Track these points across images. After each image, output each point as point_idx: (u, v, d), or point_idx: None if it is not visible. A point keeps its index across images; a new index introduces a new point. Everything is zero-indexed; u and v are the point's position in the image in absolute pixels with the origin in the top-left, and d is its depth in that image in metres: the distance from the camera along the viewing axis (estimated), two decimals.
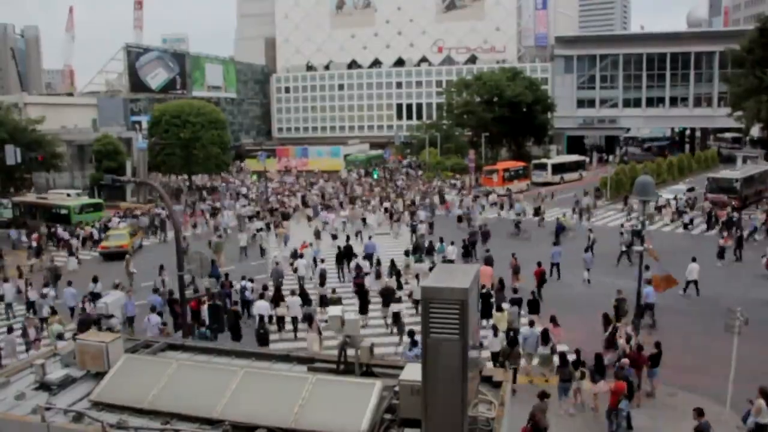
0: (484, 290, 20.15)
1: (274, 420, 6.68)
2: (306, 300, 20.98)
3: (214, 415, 6.91)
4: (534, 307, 20.55)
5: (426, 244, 30.18)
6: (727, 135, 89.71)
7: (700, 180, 48.53)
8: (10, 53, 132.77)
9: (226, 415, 6.87)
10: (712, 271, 26.80)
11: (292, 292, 21.23)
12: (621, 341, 15.95)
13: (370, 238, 31.46)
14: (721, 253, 28.25)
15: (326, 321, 18.69)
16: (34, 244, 34.75)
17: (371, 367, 8.05)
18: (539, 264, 24.46)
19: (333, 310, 8.65)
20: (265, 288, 22.19)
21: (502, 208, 44.78)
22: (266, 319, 19.77)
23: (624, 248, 29.28)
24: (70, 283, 24.22)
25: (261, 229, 34.95)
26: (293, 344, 19.29)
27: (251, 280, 23.27)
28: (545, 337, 16.88)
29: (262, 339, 18.51)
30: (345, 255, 27.85)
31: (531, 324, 18.47)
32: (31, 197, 45.01)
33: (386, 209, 41.33)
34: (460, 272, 6.56)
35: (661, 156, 69.71)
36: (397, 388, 6.99)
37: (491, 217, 41.07)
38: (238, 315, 20.57)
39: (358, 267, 25.22)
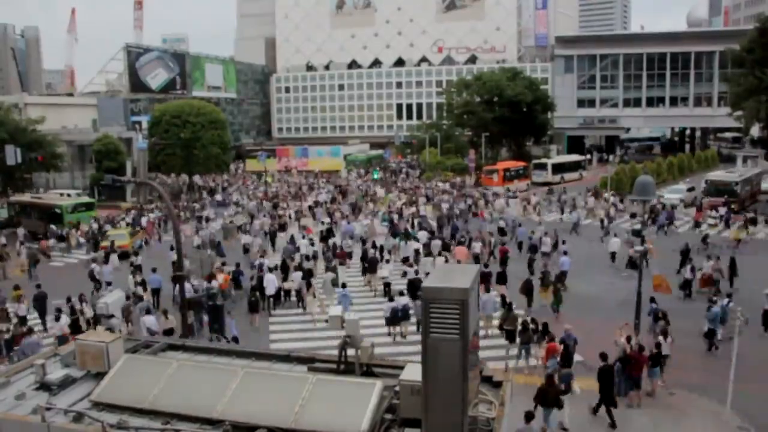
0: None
1: (275, 420, 6.68)
2: (306, 273, 24.40)
3: (215, 415, 6.91)
4: (501, 279, 23.70)
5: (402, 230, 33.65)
6: (728, 135, 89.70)
7: (701, 180, 48.41)
8: (10, 53, 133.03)
9: (226, 415, 6.87)
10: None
11: (295, 268, 25.34)
12: (621, 340, 15.95)
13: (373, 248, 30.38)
14: (631, 264, 26.39)
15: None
16: (82, 240, 36.47)
17: (371, 367, 8.05)
18: (503, 243, 29.97)
19: (333, 310, 8.67)
20: (276, 267, 25.62)
21: (562, 212, 41.67)
22: (274, 290, 23.48)
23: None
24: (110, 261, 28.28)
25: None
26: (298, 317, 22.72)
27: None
28: (503, 301, 20.37)
29: (253, 306, 21.88)
30: (327, 236, 33.11)
31: (487, 290, 21.46)
32: (25, 197, 45.08)
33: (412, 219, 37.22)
34: (460, 272, 6.57)
35: (644, 155, 70.43)
36: (397, 388, 7.00)
37: (549, 220, 37.81)
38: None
39: (334, 245, 30.17)
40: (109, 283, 25.59)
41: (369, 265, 26.27)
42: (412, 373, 6.70)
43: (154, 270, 25.05)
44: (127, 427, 6.82)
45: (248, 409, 6.90)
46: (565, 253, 26.50)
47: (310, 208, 44.47)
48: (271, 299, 23.55)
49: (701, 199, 42.38)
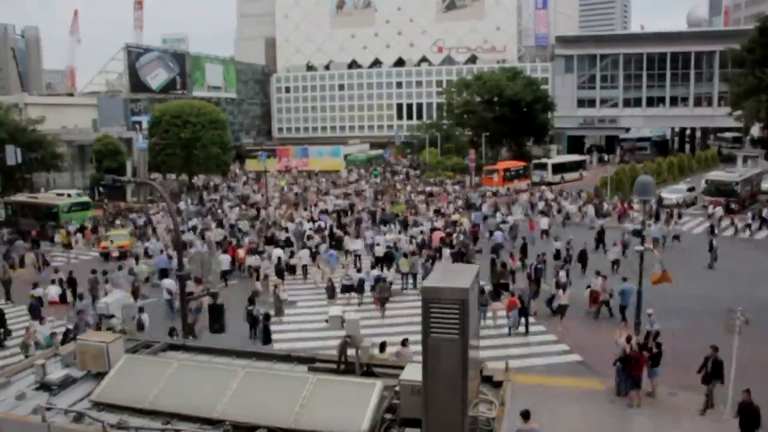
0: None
1: (275, 420, 6.68)
2: (311, 251, 29.18)
3: (215, 415, 6.91)
4: (461, 256, 27.32)
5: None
6: (728, 134, 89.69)
7: (701, 180, 48.40)
8: (10, 53, 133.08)
9: (226, 415, 6.87)
10: (712, 269, 26.88)
11: (301, 246, 29.98)
12: (621, 340, 15.97)
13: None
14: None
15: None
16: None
17: (372, 367, 8.06)
18: (474, 225, 34.52)
19: (333, 311, 8.68)
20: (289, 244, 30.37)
21: (672, 219, 36.28)
22: (282, 264, 27.39)
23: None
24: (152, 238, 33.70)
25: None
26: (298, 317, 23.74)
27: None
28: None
29: (280, 273, 26.25)
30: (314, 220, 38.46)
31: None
32: (22, 197, 45.22)
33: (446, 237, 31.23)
34: (460, 272, 6.57)
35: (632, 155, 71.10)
36: (397, 388, 6.99)
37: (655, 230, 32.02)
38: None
39: (319, 226, 35.09)
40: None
41: (335, 242, 31.42)
42: (413, 373, 6.69)
43: (161, 251, 29.33)
44: (128, 427, 6.82)
45: (248, 409, 6.90)
46: (500, 229, 31.95)
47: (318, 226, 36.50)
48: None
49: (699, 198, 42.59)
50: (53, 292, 23.23)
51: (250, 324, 20.63)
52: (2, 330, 21.36)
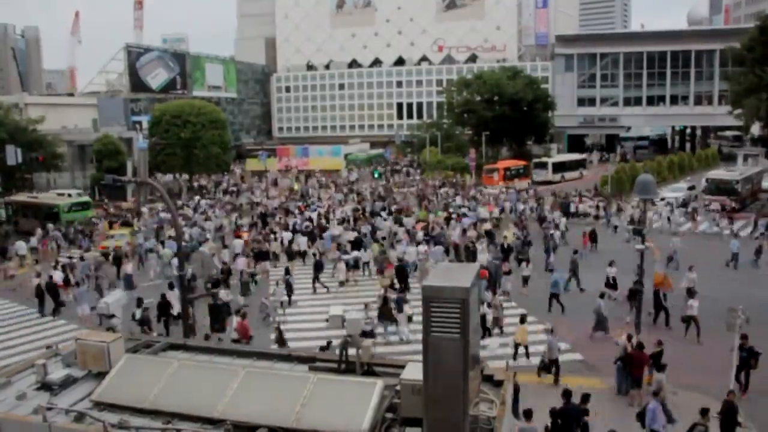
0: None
1: (276, 419, 6.68)
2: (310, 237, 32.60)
3: (216, 414, 6.90)
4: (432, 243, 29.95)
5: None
6: (728, 133, 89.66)
7: (702, 179, 48.35)
8: (10, 53, 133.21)
9: (227, 414, 6.87)
10: (713, 270, 26.85)
11: (301, 234, 32.93)
12: (622, 339, 15.96)
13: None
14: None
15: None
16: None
17: (372, 366, 8.05)
18: (460, 216, 35.85)
19: (334, 310, 8.67)
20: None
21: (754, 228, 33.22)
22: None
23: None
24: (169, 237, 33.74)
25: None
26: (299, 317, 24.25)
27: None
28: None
29: (291, 255, 30.16)
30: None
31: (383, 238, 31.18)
32: (22, 197, 45.27)
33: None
34: (461, 271, 6.55)
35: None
36: (398, 387, 6.99)
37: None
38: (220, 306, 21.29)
39: (320, 217, 38.59)
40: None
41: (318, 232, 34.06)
42: (413, 372, 6.68)
43: (170, 237, 31.02)
44: (128, 427, 6.82)
45: (249, 409, 6.89)
46: (465, 215, 35.73)
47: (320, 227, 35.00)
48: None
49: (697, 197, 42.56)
50: (58, 276, 26.18)
51: (288, 293, 24.23)
52: (57, 301, 24.55)
